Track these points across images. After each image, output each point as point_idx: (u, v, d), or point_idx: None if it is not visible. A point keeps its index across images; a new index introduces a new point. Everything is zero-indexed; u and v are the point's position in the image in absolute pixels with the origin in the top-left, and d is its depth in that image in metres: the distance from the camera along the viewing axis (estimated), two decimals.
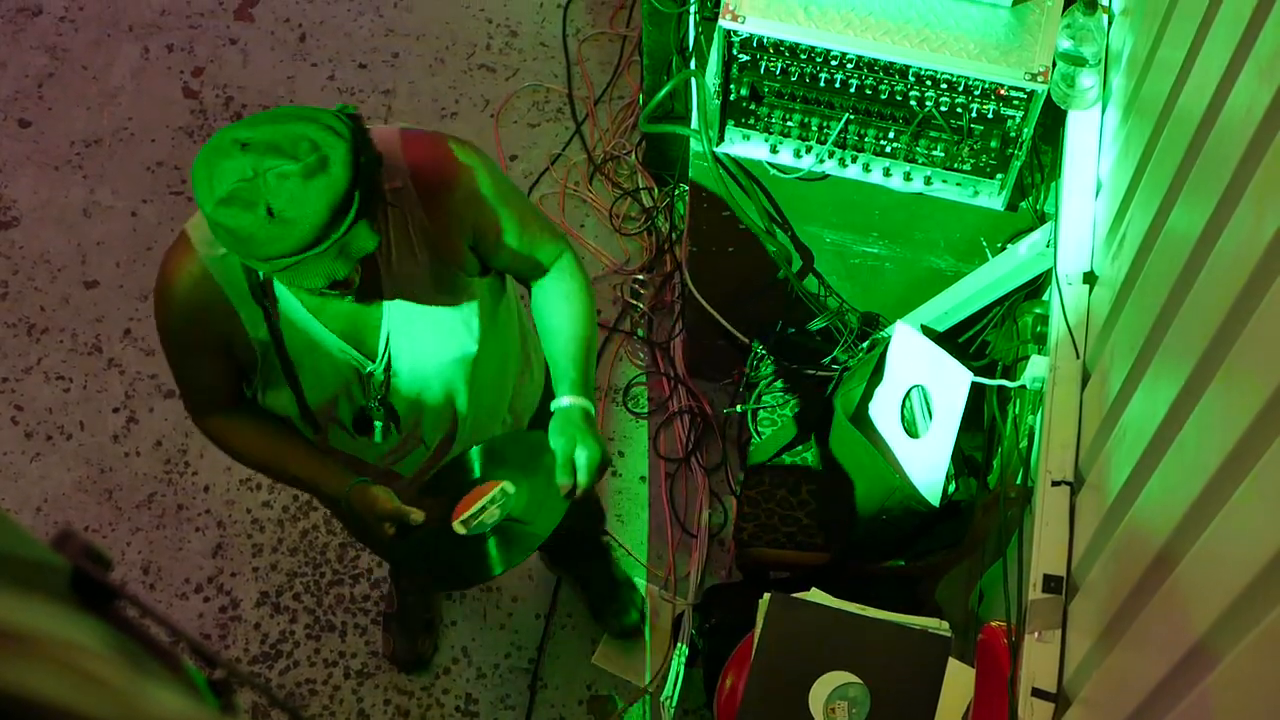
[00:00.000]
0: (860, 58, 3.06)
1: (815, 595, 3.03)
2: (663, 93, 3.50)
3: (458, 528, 2.73)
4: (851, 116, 3.20)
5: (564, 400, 2.70)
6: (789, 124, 3.27)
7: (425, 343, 2.68)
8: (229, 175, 2.21)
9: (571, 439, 2.66)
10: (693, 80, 3.44)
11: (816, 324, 3.73)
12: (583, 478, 2.66)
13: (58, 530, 1.05)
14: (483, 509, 2.74)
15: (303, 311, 2.57)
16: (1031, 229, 3.26)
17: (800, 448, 3.73)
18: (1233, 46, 2.16)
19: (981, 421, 3.39)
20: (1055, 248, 3.07)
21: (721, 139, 3.34)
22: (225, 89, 4.73)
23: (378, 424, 2.77)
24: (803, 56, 3.10)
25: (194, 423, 2.81)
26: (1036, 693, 2.56)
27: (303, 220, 2.21)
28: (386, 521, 2.71)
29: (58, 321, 4.42)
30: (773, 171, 3.34)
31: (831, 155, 3.29)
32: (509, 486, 2.76)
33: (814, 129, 3.26)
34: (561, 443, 2.66)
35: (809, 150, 3.30)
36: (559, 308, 2.79)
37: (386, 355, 2.66)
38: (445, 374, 2.75)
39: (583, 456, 2.66)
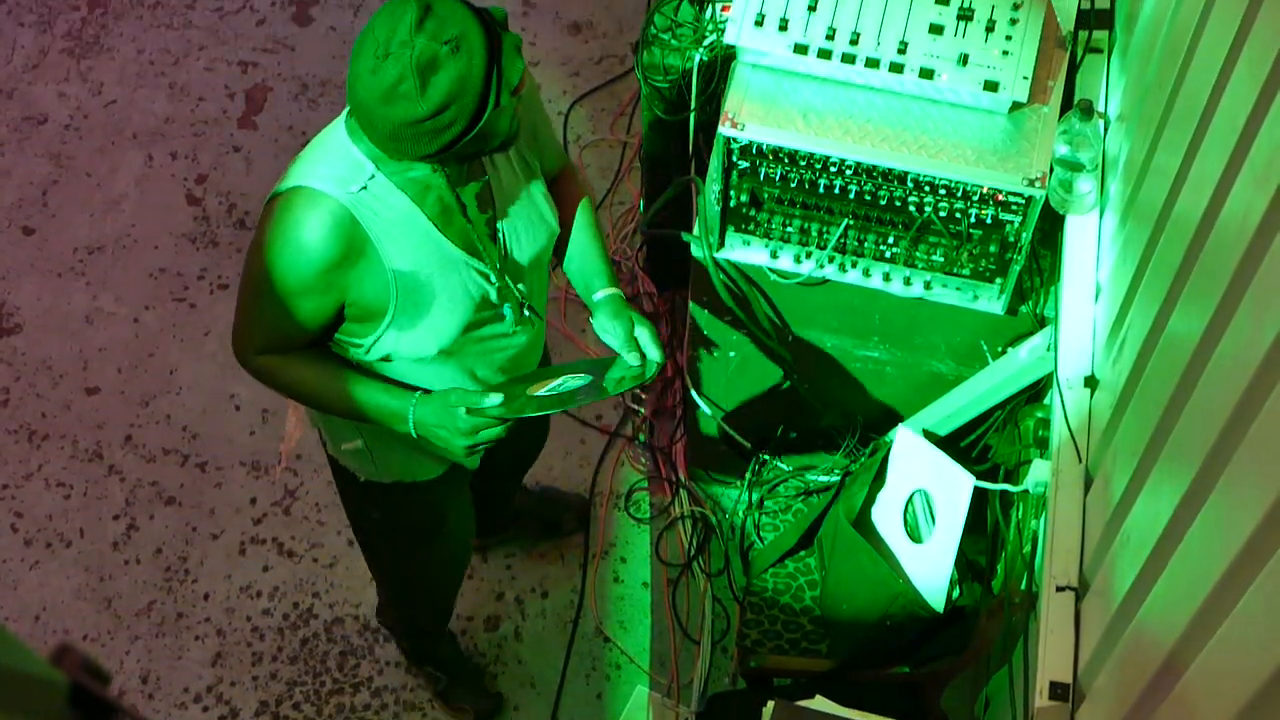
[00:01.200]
0: (859, 164, 3.08)
1: (820, 703, 3.00)
2: (663, 199, 3.52)
3: (533, 395, 2.83)
4: (851, 222, 3.22)
5: (607, 291, 2.89)
6: (789, 229, 3.28)
7: (528, 233, 2.84)
8: (402, 69, 2.40)
9: (629, 319, 2.84)
10: (693, 186, 3.46)
11: (818, 428, 3.73)
12: (654, 351, 2.82)
13: (56, 643, 1.05)
14: (559, 384, 2.86)
15: (434, 231, 2.67)
16: (1032, 333, 3.27)
17: (803, 553, 3.72)
18: (1228, 153, 2.17)
19: (985, 526, 3.38)
20: (1056, 352, 3.07)
21: (722, 244, 3.36)
22: (228, 196, 4.76)
23: (508, 306, 2.85)
24: (802, 162, 3.12)
25: (241, 361, 2.82)
26: None
27: (471, 28, 2.43)
28: (462, 408, 2.75)
29: (58, 428, 4.42)
30: (773, 276, 3.36)
31: (832, 260, 3.31)
32: (578, 369, 2.90)
33: (814, 234, 3.27)
34: (620, 325, 2.84)
35: (809, 255, 3.31)
36: (581, 205, 3.01)
37: (504, 250, 2.80)
38: (542, 255, 2.90)
39: (645, 332, 2.83)
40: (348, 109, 2.61)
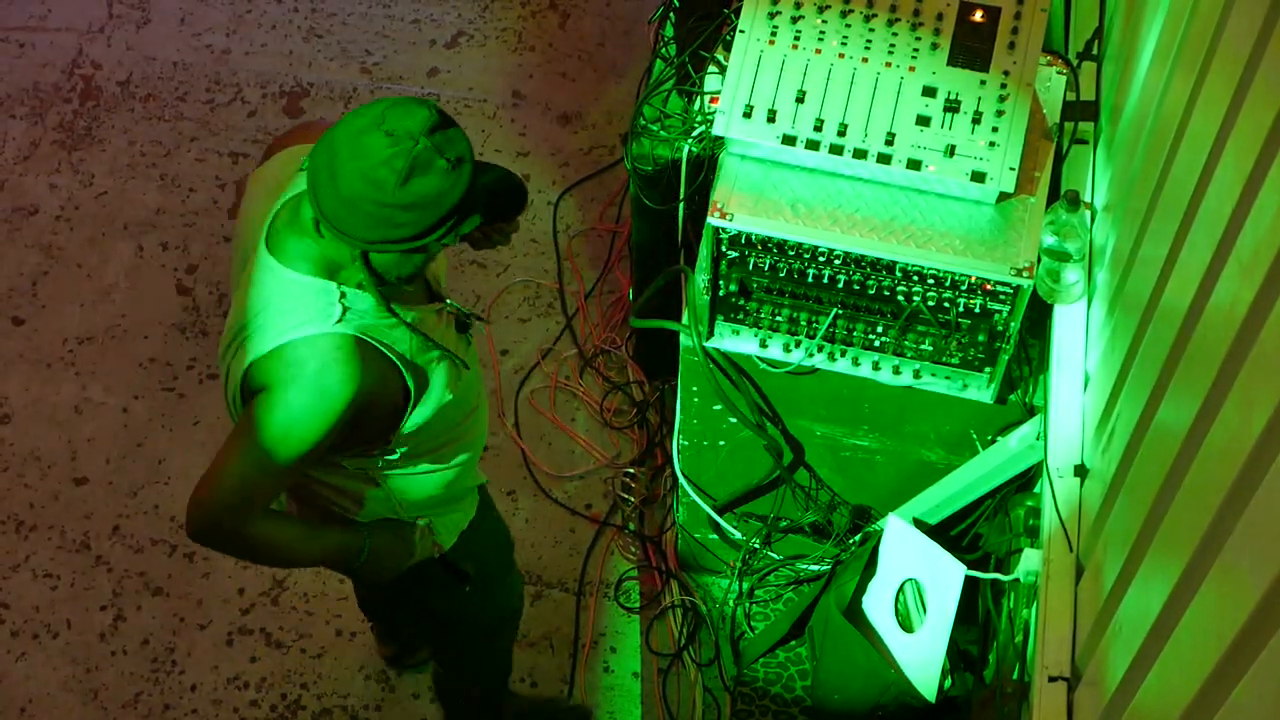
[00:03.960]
0: (848, 254, 3.10)
1: None
2: (652, 289, 3.54)
3: None
4: (840, 311, 3.23)
5: None
6: (778, 319, 3.29)
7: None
8: (398, 152, 2.45)
9: None
10: (682, 276, 3.47)
11: (809, 518, 3.72)
12: None
13: None
14: None
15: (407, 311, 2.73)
16: (1021, 421, 3.28)
17: (794, 643, 3.71)
18: (1214, 243, 2.18)
19: (976, 615, 3.37)
20: (1045, 441, 3.07)
21: (711, 334, 3.37)
22: (219, 286, 4.77)
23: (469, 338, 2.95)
24: (791, 252, 3.13)
25: (242, 533, 2.73)
26: None
27: (468, 159, 2.52)
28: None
29: (46, 519, 4.40)
30: (762, 365, 3.36)
31: (821, 349, 3.32)
32: None
33: (803, 323, 3.29)
34: None
35: (798, 344, 3.32)
36: None
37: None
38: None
39: None
40: (264, 239, 2.64)
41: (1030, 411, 3.28)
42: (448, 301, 2.84)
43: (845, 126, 3.09)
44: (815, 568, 3.84)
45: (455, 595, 3.25)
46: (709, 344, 3.37)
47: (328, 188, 2.49)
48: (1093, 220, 3.20)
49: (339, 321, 2.59)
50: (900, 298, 3.15)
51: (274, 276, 2.63)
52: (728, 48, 3.28)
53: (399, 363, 2.67)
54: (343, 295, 2.60)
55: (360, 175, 2.45)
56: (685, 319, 3.38)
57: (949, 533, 3.48)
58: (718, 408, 3.48)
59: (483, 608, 3.39)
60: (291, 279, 2.61)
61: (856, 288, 3.16)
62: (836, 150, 3.08)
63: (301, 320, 2.59)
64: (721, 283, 3.25)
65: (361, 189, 2.46)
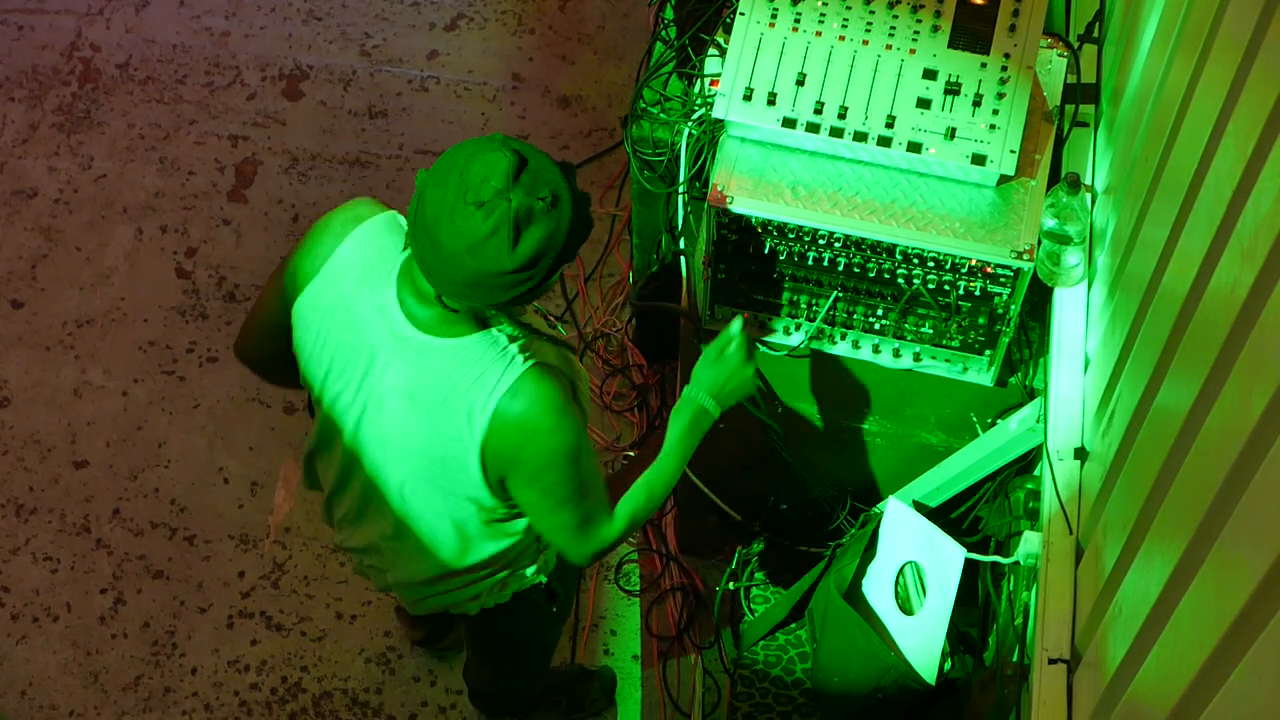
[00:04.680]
0: (848, 236, 3.09)
1: None
2: (652, 271, 3.53)
3: None
4: (840, 294, 3.23)
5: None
6: (777, 302, 3.29)
7: None
8: (496, 221, 2.44)
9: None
10: (682, 259, 3.47)
11: (809, 500, 3.72)
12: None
13: None
14: None
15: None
16: (1021, 404, 3.28)
17: (794, 625, 3.71)
18: (1215, 226, 2.18)
19: (976, 598, 3.37)
20: (1046, 423, 3.07)
21: (711, 316, 3.36)
22: (218, 269, 4.77)
23: None
24: (790, 235, 3.13)
25: (609, 540, 2.86)
26: None
27: (561, 187, 2.51)
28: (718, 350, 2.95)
29: (46, 502, 4.40)
30: (762, 349, 3.36)
31: (821, 332, 3.32)
32: None
33: (803, 306, 3.28)
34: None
35: (798, 327, 3.32)
36: None
37: None
38: None
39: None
40: (403, 325, 2.65)
41: (1030, 394, 3.28)
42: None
43: (845, 109, 3.08)
44: (815, 551, 3.84)
45: (542, 617, 3.29)
46: (708, 327, 3.36)
47: (442, 273, 2.50)
48: (1093, 203, 3.20)
49: (522, 356, 2.63)
50: (900, 281, 3.15)
51: (442, 354, 2.65)
52: (728, 30, 3.28)
53: (567, 372, 2.72)
54: (509, 338, 2.64)
55: (469, 255, 2.45)
56: (685, 302, 3.38)
57: (949, 515, 3.48)
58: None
59: (555, 625, 3.41)
60: (456, 346, 2.64)
61: (856, 271, 3.16)
62: (837, 133, 3.07)
63: (498, 375, 2.62)
64: (721, 265, 3.25)
65: (475, 267, 2.46)
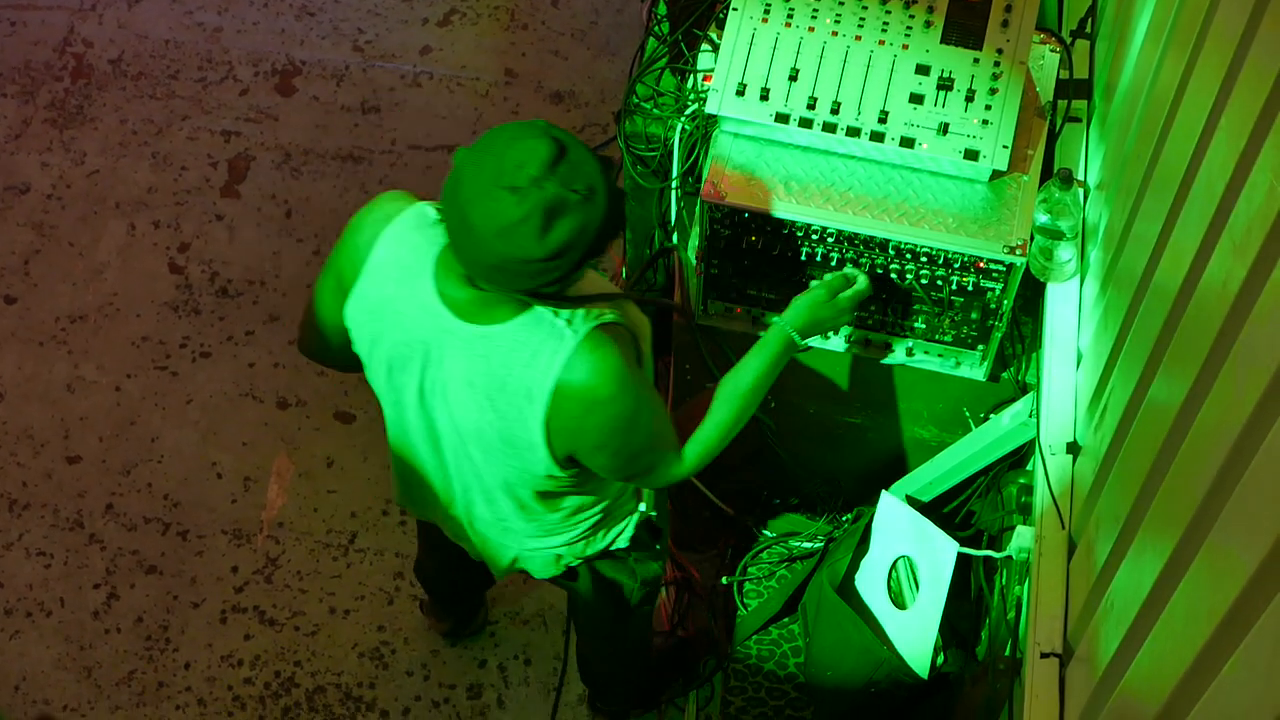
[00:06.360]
0: (840, 232, 3.10)
1: None
2: (645, 267, 3.54)
3: None
4: None
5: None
6: (770, 297, 3.29)
7: None
8: (528, 208, 2.42)
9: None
10: (675, 254, 3.47)
11: (801, 494, 3.73)
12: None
13: (36, 714, 1.05)
14: None
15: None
16: (1014, 399, 3.28)
17: (787, 619, 3.71)
18: (1207, 221, 2.19)
19: (969, 592, 3.38)
20: (1038, 418, 3.08)
21: (704, 311, 3.37)
22: (211, 264, 4.76)
23: None
24: (784, 231, 3.14)
25: (683, 472, 2.89)
26: None
27: (599, 181, 2.49)
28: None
29: (39, 497, 4.40)
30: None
31: None
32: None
33: None
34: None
35: None
36: None
37: None
38: None
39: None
40: (451, 319, 2.64)
41: (1023, 389, 3.29)
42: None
43: (838, 104, 3.09)
44: (808, 545, 3.85)
45: (651, 558, 3.30)
46: (702, 322, 3.37)
47: (472, 255, 2.49)
48: (1085, 198, 3.21)
49: (571, 329, 2.61)
50: (893, 276, 3.15)
51: (491, 341, 2.64)
52: (721, 25, 3.28)
53: (626, 326, 2.72)
54: (568, 320, 2.62)
55: (498, 239, 2.44)
56: (678, 297, 3.39)
57: (942, 510, 3.49)
58: (710, 385, 3.48)
59: (659, 569, 3.41)
60: (504, 331, 2.63)
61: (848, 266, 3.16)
62: (829, 128, 3.08)
63: (551, 353, 2.61)
64: (714, 261, 3.25)
65: (504, 252, 2.45)
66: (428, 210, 2.71)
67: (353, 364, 2.92)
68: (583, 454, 2.74)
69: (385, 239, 2.71)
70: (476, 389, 2.68)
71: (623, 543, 3.14)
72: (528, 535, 3.03)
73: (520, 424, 2.67)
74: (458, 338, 2.65)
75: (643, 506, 3.15)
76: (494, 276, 2.51)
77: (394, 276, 2.70)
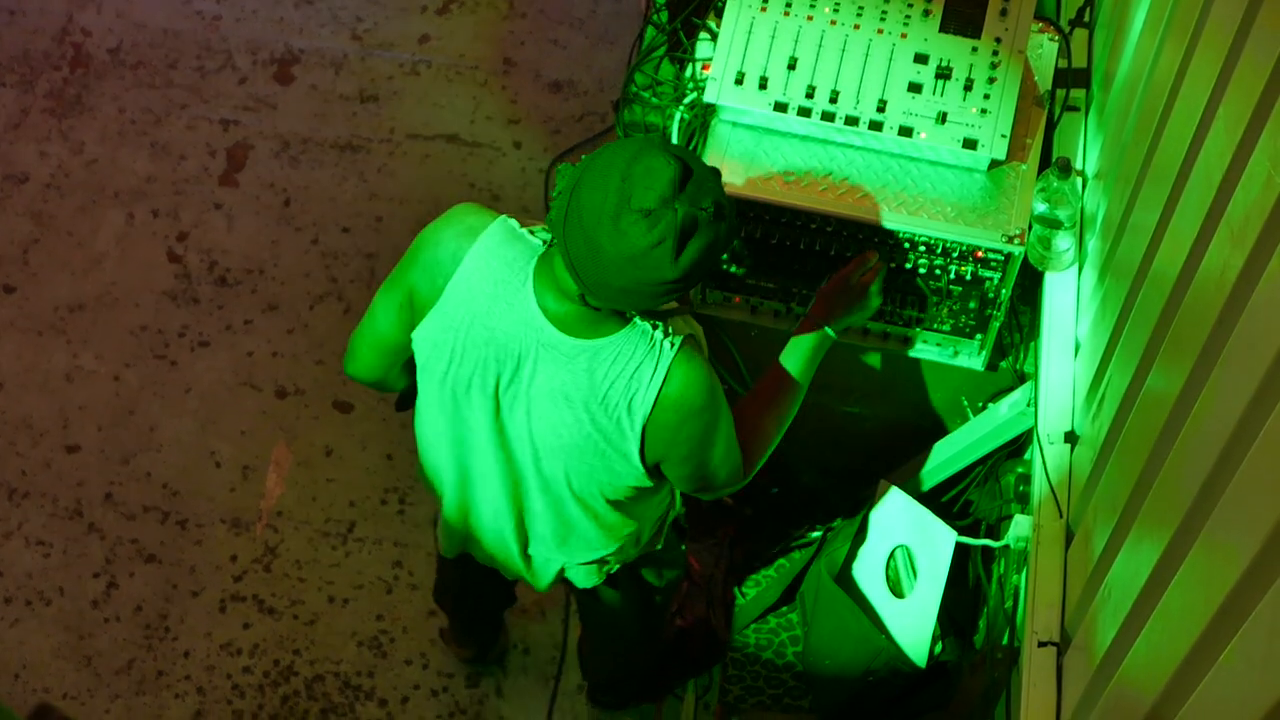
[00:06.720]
0: (839, 221, 3.10)
1: None
2: None
3: None
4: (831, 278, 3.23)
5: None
6: (769, 286, 3.29)
7: None
8: (661, 232, 2.40)
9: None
10: None
11: (800, 483, 3.73)
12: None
13: (36, 703, 1.05)
14: None
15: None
16: (1012, 388, 3.28)
17: (785, 608, 3.72)
18: (1205, 210, 2.19)
19: (967, 581, 3.38)
20: (1036, 407, 3.08)
21: (702, 301, 3.37)
22: (209, 253, 4.76)
23: None
24: (782, 220, 3.13)
25: (743, 476, 2.90)
26: None
27: (721, 197, 2.49)
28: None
29: (38, 486, 4.40)
30: (754, 333, 3.37)
31: None
32: None
33: (794, 291, 3.29)
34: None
35: (789, 311, 3.32)
36: None
37: None
38: None
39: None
40: (551, 331, 2.63)
41: (1021, 378, 3.29)
42: None
43: (837, 93, 3.08)
44: (807, 533, 3.85)
45: (678, 557, 3.32)
46: (700, 311, 3.37)
47: (598, 277, 2.45)
48: (1084, 187, 3.21)
49: (667, 341, 2.62)
50: (892, 265, 3.15)
51: (595, 355, 2.63)
52: (719, 14, 3.28)
53: (699, 338, 2.73)
54: (651, 325, 2.63)
55: (630, 264, 2.41)
56: None
57: (940, 499, 3.49)
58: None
59: (680, 561, 3.42)
60: (609, 344, 2.62)
61: (848, 255, 3.16)
62: (828, 117, 3.08)
63: (650, 366, 2.61)
64: None
65: (635, 276, 2.42)
66: (513, 225, 2.68)
67: (396, 385, 2.91)
68: (670, 463, 2.74)
69: (473, 255, 2.66)
70: (574, 402, 2.66)
71: (659, 544, 3.16)
72: (587, 546, 3.02)
73: (619, 435, 2.67)
74: (558, 351, 2.62)
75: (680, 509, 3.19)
76: (620, 299, 2.49)
77: (488, 293, 2.65)
